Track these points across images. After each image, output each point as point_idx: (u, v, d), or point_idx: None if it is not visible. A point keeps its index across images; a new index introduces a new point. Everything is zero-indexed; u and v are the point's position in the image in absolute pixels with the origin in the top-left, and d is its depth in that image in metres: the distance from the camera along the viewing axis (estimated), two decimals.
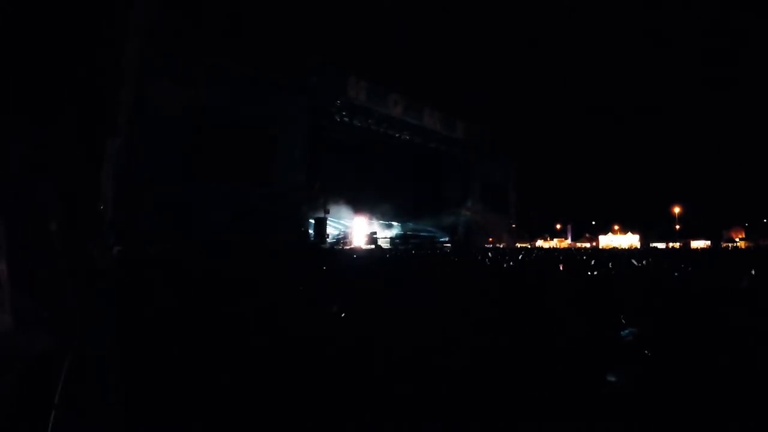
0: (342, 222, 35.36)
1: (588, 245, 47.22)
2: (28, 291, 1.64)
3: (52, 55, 5.32)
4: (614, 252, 19.83)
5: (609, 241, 46.54)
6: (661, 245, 39.62)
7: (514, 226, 47.82)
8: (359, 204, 37.27)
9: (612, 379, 2.88)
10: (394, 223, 40.75)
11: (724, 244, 38.87)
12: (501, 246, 39.75)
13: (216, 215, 20.15)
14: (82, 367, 1.93)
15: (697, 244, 39.58)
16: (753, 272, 7.53)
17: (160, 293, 5.08)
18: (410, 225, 41.62)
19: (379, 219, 38.86)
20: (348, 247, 30.14)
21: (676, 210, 45.77)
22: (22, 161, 2.01)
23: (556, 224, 55.01)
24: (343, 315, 5.11)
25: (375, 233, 36.42)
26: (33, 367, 1.56)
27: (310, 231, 29.83)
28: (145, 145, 17.14)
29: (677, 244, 40.09)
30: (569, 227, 53.38)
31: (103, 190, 6.69)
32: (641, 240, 44.66)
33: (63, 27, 5.33)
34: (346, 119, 32.03)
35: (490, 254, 15.98)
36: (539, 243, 48.52)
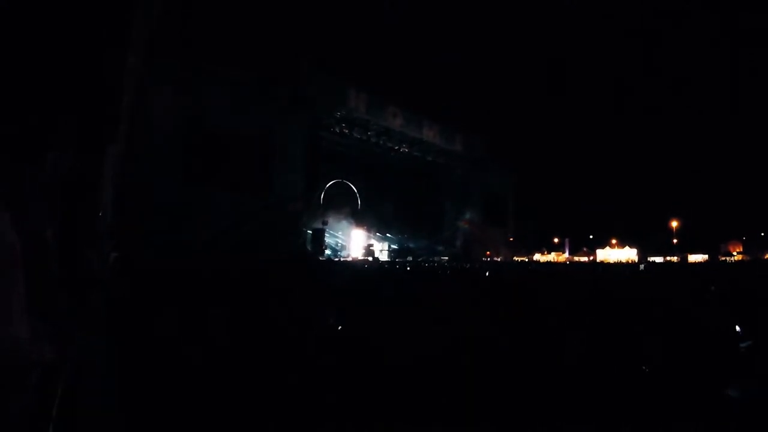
0: (339, 234, 35.29)
1: (586, 259, 47.26)
2: (29, 300, 1.57)
3: (54, 61, 5.29)
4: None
5: (606, 255, 46.52)
6: (659, 259, 39.65)
7: (511, 239, 47.77)
8: (357, 216, 37.33)
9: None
10: (391, 236, 40.73)
11: (722, 258, 38.95)
12: (499, 259, 39.81)
13: (214, 223, 20.08)
14: (80, 379, 1.86)
15: (694, 257, 39.64)
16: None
17: (158, 302, 5.01)
18: (407, 237, 41.63)
19: (376, 231, 38.85)
20: (346, 259, 30.09)
21: (674, 224, 45.87)
22: (21, 168, 1.94)
23: (553, 238, 54.96)
24: (339, 327, 5.04)
25: (372, 245, 36.47)
26: (30, 379, 1.48)
27: (308, 242, 29.73)
28: (143, 151, 17.11)
29: (675, 258, 40.15)
30: (567, 241, 53.35)
31: (102, 197, 6.61)
32: (639, 254, 44.65)
33: (63, 32, 5.30)
34: (346, 131, 32.08)
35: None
36: (537, 256, 48.50)
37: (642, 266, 19.87)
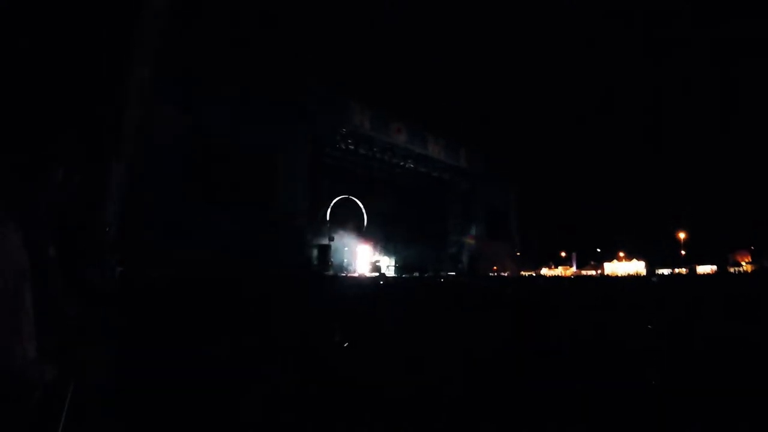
0: (345, 250, 35.26)
1: (593, 272, 46.94)
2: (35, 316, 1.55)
3: (57, 82, 5.34)
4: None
5: (614, 268, 46.21)
6: (666, 271, 39.33)
7: (518, 254, 47.58)
8: (362, 232, 37.34)
9: None
10: (397, 252, 40.65)
11: (731, 269, 38.55)
12: (506, 274, 39.58)
13: (217, 239, 20.08)
14: (85, 397, 1.83)
15: (703, 269, 39.27)
16: None
17: (162, 316, 4.99)
18: (413, 253, 41.54)
19: (382, 247, 38.81)
20: (353, 275, 30.03)
21: (681, 235, 45.53)
22: (26, 186, 1.93)
23: (560, 251, 54.63)
24: (345, 345, 4.98)
25: (378, 261, 36.48)
26: (33, 397, 1.45)
27: (314, 257, 29.69)
28: (146, 168, 17.20)
29: (683, 270, 39.80)
30: (574, 255, 53.01)
31: (106, 213, 6.63)
32: (647, 266, 44.32)
33: (67, 53, 5.36)
34: (351, 147, 32.18)
35: None
36: (543, 271, 48.22)
37: (654, 279, 19.72)
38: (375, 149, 33.53)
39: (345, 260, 34.73)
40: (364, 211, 39.15)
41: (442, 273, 37.38)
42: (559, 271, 49.81)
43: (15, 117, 4.51)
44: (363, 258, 36.11)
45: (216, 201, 21.30)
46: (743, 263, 40.56)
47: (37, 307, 1.57)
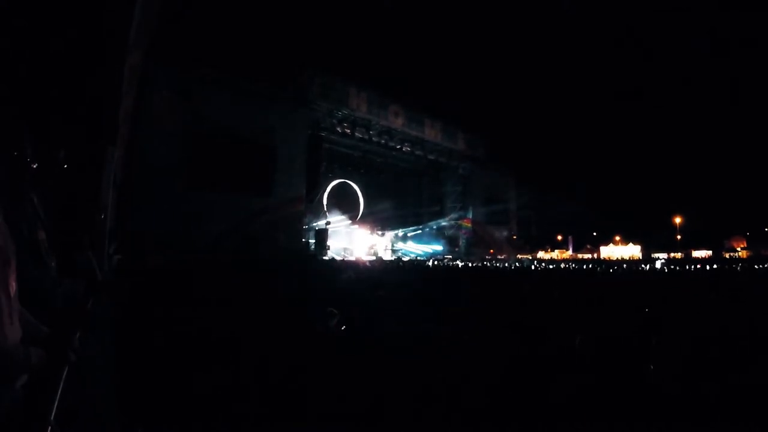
0: (342, 234, 35.31)
1: (589, 256, 47.12)
2: (24, 302, 1.57)
3: (53, 66, 5.31)
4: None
5: (610, 252, 46.41)
6: (662, 255, 39.52)
7: (514, 237, 47.61)
8: (359, 216, 37.40)
9: None
10: (394, 236, 40.70)
11: (726, 254, 38.76)
12: (502, 257, 39.72)
13: (215, 225, 20.14)
14: (80, 380, 1.86)
15: (698, 254, 39.49)
16: None
17: (159, 304, 5.01)
18: (410, 237, 41.62)
19: (378, 230, 38.83)
20: (350, 259, 30.10)
21: (678, 220, 45.63)
22: (20, 171, 1.94)
23: (557, 235, 54.69)
24: (343, 327, 5.01)
25: (375, 245, 36.58)
26: (29, 381, 1.48)
27: (311, 242, 29.71)
28: (145, 155, 17.16)
29: (678, 255, 40.02)
30: (570, 238, 53.11)
31: (103, 200, 6.62)
32: (643, 251, 44.50)
33: (63, 38, 5.32)
34: (348, 131, 31.98)
35: None
36: (540, 254, 48.37)
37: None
38: (372, 132, 33.32)
39: (342, 244, 34.78)
40: (360, 195, 39.12)
41: (439, 256, 37.60)
42: (556, 254, 49.99)
43: (7, 101, 4.49)
44: (360, 242, 36.16)
45: (214, 187, 21.27)
46: (738, 249, 40.79)
47: (27, 292, 1.60)
